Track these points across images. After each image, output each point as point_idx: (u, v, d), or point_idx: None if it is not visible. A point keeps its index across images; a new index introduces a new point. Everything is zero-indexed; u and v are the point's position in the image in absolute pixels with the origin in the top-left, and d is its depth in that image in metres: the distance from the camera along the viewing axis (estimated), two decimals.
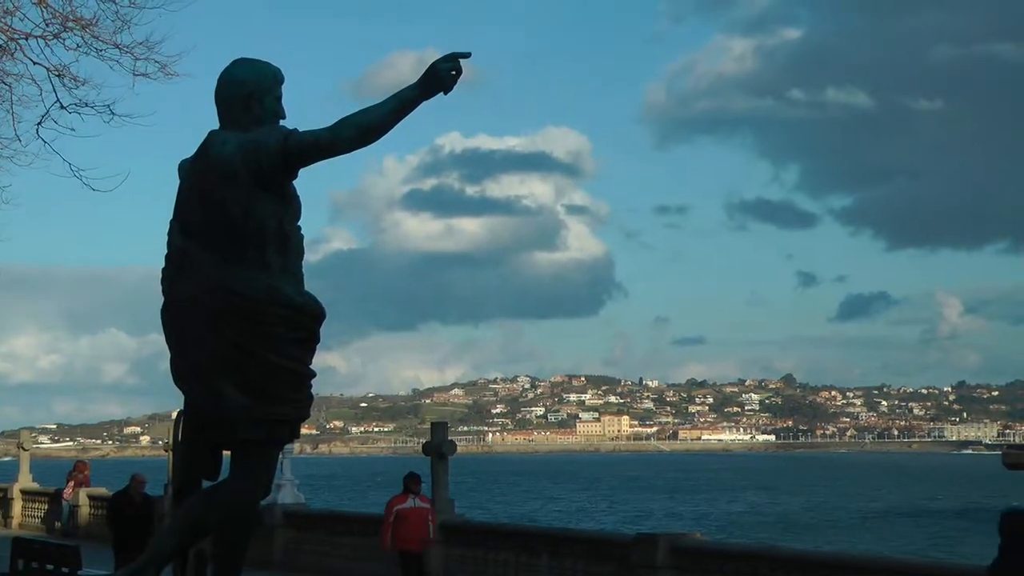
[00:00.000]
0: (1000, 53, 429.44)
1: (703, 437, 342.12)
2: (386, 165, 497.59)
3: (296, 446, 26.24)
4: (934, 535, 61.93)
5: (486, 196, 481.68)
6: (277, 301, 7.28)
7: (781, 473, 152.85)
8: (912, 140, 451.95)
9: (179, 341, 7.49)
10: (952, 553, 47.55)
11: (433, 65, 7.11)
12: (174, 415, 9.14)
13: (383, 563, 20.46)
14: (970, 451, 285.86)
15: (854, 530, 65.13)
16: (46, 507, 31.68)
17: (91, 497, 29.33)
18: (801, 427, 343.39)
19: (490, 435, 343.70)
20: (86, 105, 16.91)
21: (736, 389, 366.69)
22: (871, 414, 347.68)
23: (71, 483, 29.70)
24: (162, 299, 7.59)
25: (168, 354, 7.60)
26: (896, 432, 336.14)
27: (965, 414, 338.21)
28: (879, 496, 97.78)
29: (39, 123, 17.15)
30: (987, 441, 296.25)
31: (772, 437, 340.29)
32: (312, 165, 7.39)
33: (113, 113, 16.88)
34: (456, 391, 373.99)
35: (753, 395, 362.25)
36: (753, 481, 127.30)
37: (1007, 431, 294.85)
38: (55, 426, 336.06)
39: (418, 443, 23.75)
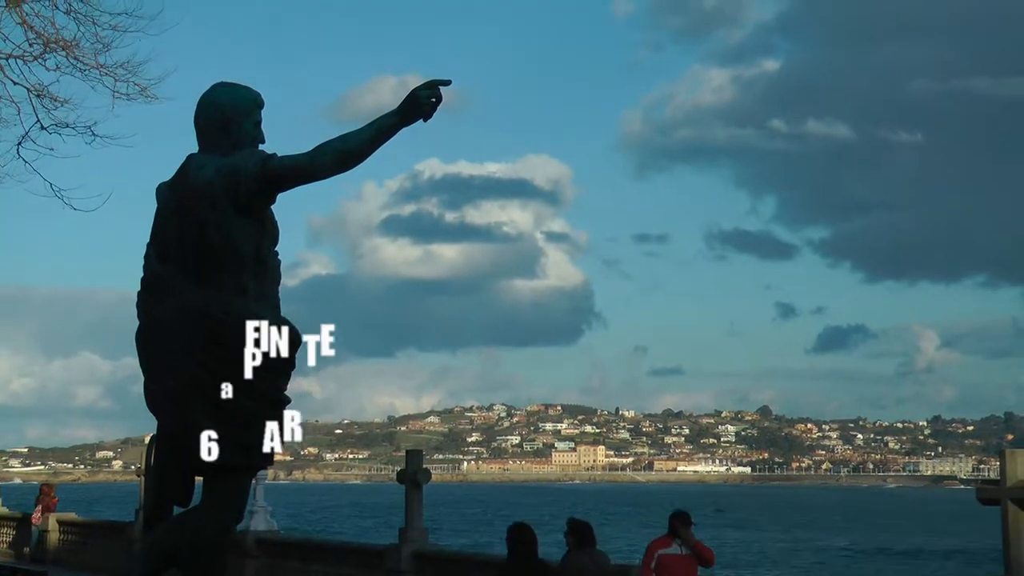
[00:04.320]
0: (977, 87, 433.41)
1: (679, 468, 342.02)
2: (365, 190, 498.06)
3: (270, 472, 26.11)
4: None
5: (465, 222, 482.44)
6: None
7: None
8: (891, 173, 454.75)
9: (154, 365, 7.44)
10: None
11: (413, 92, 7.11)
12: (147, 440, 9.08)
13: None
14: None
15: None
16: (14, 532, 31.40)
17: (60, 522, 29.07)
18: (777, 459, 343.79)
19: (465, 463, 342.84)
20: (67, 126, 16.88)
21: (712, 420, 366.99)
22: (847, 447, 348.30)
23: (39, 507, 29.44)
24: (137, 322, 7.55)
25: (142, 378, 7.55)
26: (871, 466, 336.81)
27: (940, 448, 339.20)
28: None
29: (19, 143, 17.10)
30: (962, 476, 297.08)
31: (748, 469, 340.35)
32: (290, 190, 7.38)
33: (95, 134, 16.86)
34: (432, 419, 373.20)
35: (729, 426, 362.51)
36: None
37: (982, 466, 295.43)
38: (26, 450, 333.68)
39: (393, 471, 23.58)
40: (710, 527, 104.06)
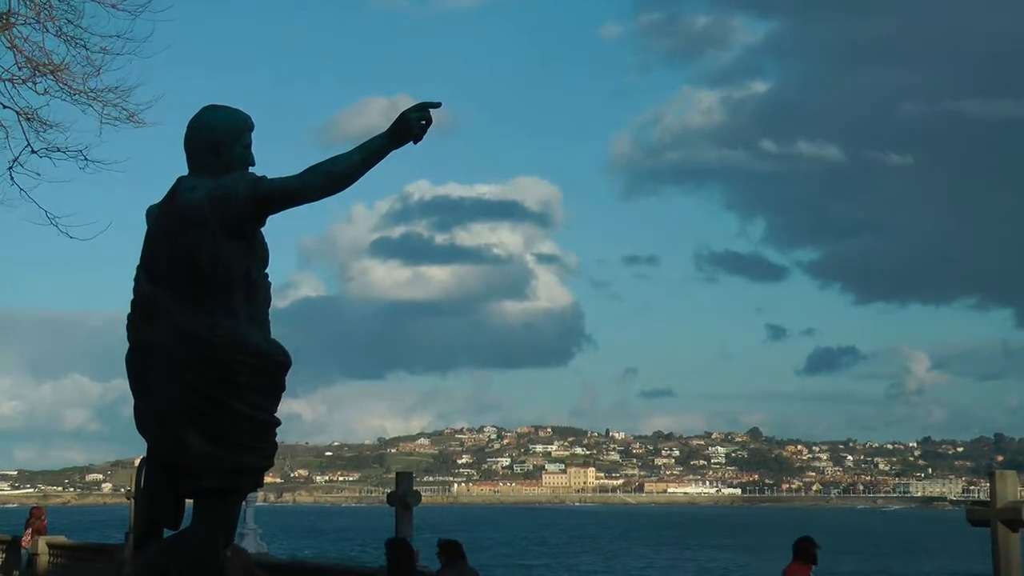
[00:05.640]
0: (967, 109, 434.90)
1: (669, 490, 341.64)
2: (355, 212, 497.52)
3: (260, 494, 26.07)
4: None
5: (455, 244, 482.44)
6: (243, 349, 7.23)
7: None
8: (881, 195, 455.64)
9: (143, 387, 7.43)
10: None
11: (403, 115, 7.13)
12: (137, 462, 9.06)
13: None
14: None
15: None
16: (4, 555, 31.25)
17: (50, 545, 28.94)
18: (767, 481, 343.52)
19: (455, 485, 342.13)
20: (57, 150, 16.90)
21: (702, 442, 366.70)
22: (837, 469, 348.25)
23: (29, 530, 29.31)
24: (127, 345, 7.54)
25: (132, 400, 7.54)
26: (862, 487, 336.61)
27: (930, 470, 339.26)
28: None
29: (10, 167, 17.10)
30: (952, 497, 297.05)
31: (738, 491, 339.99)
32: (281, 212, 7.38)
33: (87, 159, 16.89)
34: (422, 440, 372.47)
35: (719, 448, 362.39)
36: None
37: (972, 487, 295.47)
38: (16, 473, 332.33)
39: (383, 493, 23.50)
40: (713, 548, 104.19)
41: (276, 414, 7.53)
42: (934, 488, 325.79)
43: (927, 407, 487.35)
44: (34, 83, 16.58)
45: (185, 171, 7.56)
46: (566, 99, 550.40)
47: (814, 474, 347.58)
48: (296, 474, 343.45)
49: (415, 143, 7.19)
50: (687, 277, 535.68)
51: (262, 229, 7.48)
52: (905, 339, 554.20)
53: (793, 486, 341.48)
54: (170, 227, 7.33)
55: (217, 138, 7.44)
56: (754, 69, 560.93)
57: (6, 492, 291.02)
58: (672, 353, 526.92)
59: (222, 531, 7.48)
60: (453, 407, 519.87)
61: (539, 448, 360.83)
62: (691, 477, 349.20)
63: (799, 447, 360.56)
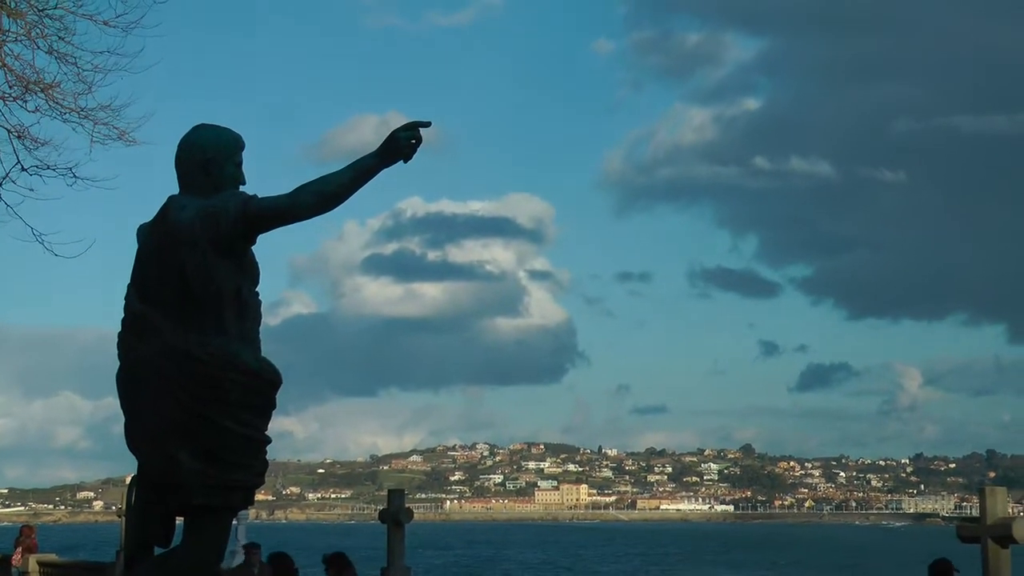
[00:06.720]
0: (960, 125, 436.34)
1: (661, 507, 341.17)
2: (346, 229, 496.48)
3: (252, 512, 25.98)
4: None
5: (447, 261, 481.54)
6: (234, 367, 7.24)
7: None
8: (873, 211, 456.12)
9: (134, 405, 7.43)
10: None
11: (393, 134, 7.16)
12: (128, 480, 9.06)
13: None
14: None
15: None
16: None
17: (41, 564, 28.84)
18: (760, 497, 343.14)
19: (448, 502, 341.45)
20: (48, 167, 16.89)
21: (695, 458, 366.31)
22: (829, 485, 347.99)
23: (19, 549, 29.21)
24: (118, 362, 7.55)
25: (123, 418, 7.54)
26: (854, 504, 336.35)
27: (923, 486, 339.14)
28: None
29: (0, 184, 17.09)
30: (944, 514, 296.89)
31: (730, 507, 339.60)
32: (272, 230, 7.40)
33: (76, 176, 16.89)
34: (414, 458, 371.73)
35: (712, 465, 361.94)
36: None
37: (964, 503, 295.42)
38: (6, 490, 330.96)
39: (375, 510, 23.48)
40: (708, 564, 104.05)
41: (267, 432, 7.53)
42: (926, 504, 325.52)
43: (919, 423, 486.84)
44: (24, 101, 16.60)
45: (176, 189, 7.57)
46: (558, 116, 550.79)
47: (806, 491, 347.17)
48: (288, 491, 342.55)
49: (405, 162, 7.21)
50: (680, 294, 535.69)
51: (253, 247, 7.49)
52: (897, 355, 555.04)
53: (785, 503, 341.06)
54: (161, 246, 7.34)
55: (208, 157, 7.45)
56: (746, 86, 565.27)
57: None
58: (665, 370, 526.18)
59: (213, 549, 7.47)
60: (445, 424, 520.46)
61: (532, 465, 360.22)
62: (684, 494, 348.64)
63: (792, 463, 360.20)
